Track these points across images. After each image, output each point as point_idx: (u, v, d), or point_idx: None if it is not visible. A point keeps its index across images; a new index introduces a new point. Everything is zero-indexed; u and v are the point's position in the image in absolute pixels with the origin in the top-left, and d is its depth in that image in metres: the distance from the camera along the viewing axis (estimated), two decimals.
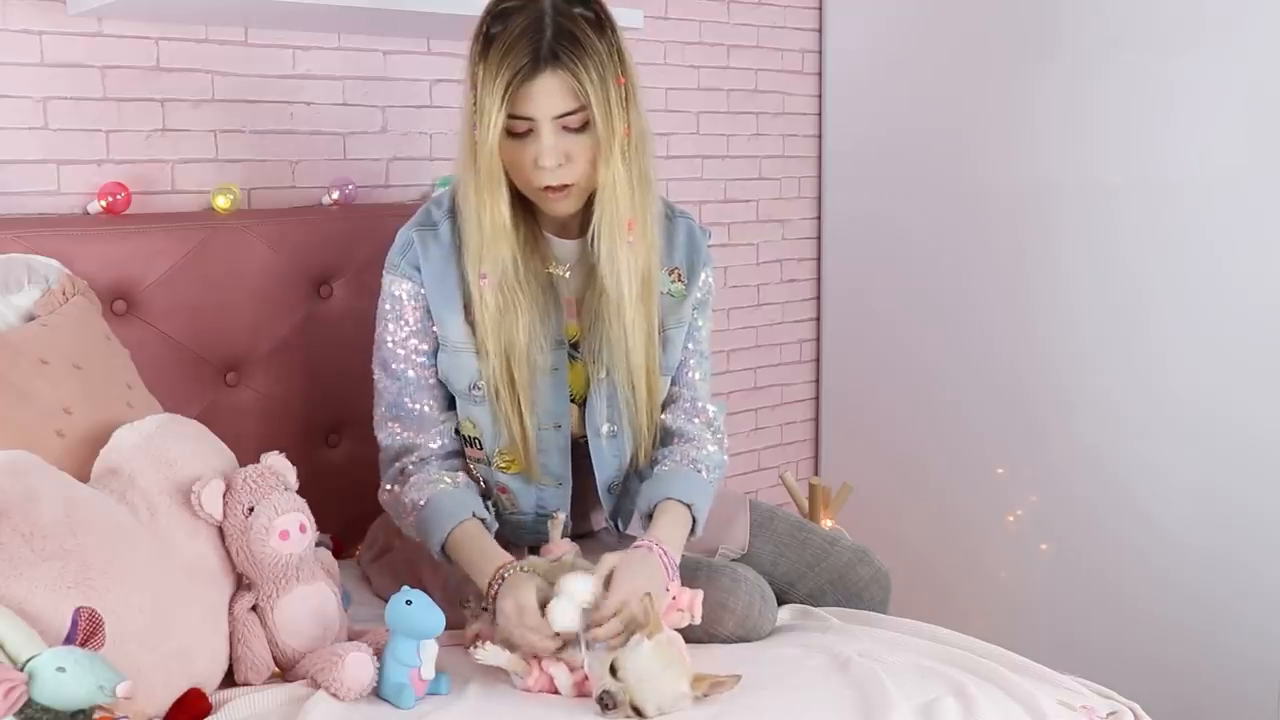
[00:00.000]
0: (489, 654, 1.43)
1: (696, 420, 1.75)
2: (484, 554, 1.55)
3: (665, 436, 1.74)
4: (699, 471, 1.68)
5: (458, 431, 1.72)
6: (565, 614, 1.42)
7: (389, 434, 1.70)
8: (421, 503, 1.61)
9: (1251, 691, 2.28)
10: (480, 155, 1.56)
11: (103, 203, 1.86)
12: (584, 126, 1.55)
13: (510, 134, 1.55)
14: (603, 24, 1.56)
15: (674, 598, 1.52)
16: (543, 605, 1.44)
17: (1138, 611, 2.42)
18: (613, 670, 1.36)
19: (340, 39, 2.13)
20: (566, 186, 1.58)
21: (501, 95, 1.52)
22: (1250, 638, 2.28)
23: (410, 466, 1.67)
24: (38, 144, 1.85)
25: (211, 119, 2.00)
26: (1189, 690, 2.33)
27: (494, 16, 1.56)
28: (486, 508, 1.64)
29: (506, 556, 1.54)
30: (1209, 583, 2.33)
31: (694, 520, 1.63)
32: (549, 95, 1.52)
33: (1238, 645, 2.29)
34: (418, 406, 1.69)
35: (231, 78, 2.01)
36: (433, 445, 1.68)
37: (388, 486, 1.69)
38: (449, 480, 1.64)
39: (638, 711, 1.35)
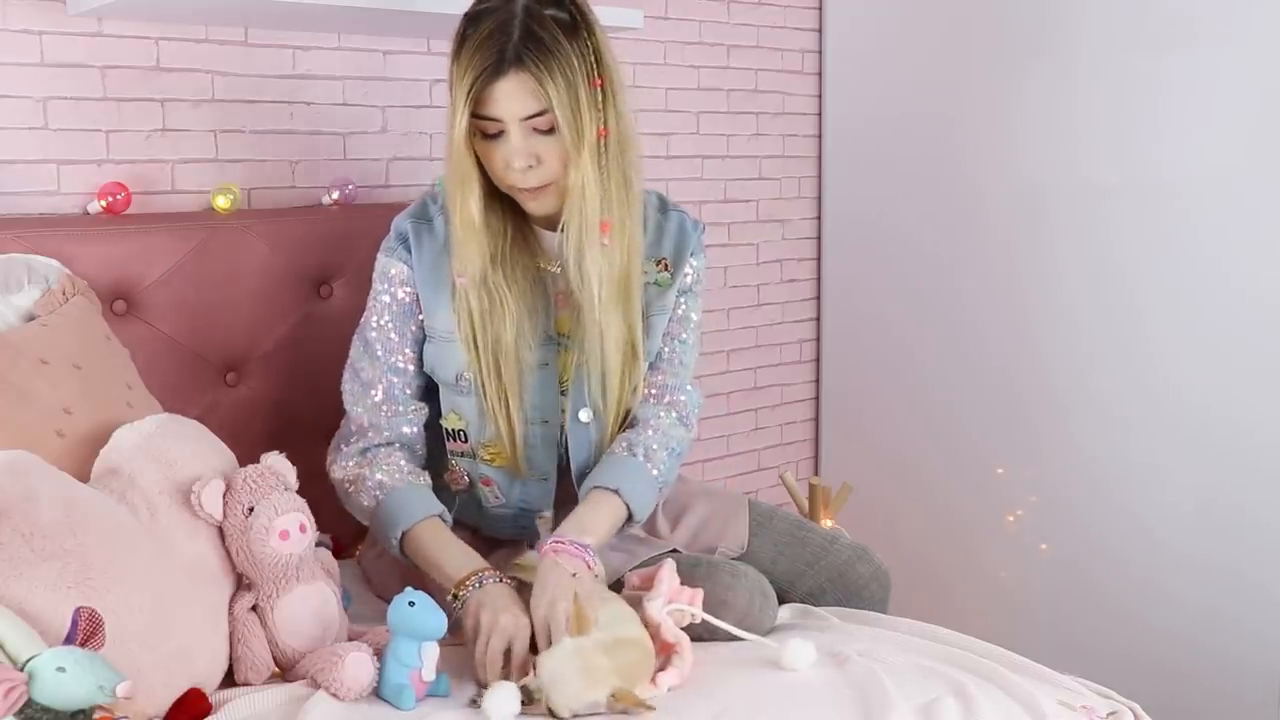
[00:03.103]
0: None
1: (663, 404, 1.75)
2: (459, 553, 1.57)
3: (630, 423, 1.75)
4: (634, 455, 1.68)
5: (427, 427, 1.73)
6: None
7: (355, 408, 1.70)
8: (389, 488, 1.63)
9: (1251, 690, 2.28)
10: (452, 154, 1.58)
11: (103, 203, 1.86)
12: (553, 129, 1.56)
13: (484, 135, 1.57)
14: (577, 26, 1.56)
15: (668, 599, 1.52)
16: None
17: (1138, 611, 2.42)
18: (534, 668, 1.38)
19: (340, 39, 2.13)
20: (543, 186, 1.60)
21: (465, 95, 1.54)
22: (1250, 637, 2.28)
23: (372, 449, 1.68)
24: (38, 144, 1.85)
25: (211, 119, 2.00)
26: (1189, 690, 2.33)
27: (469, 18, 1.58)
28: (450, 510, 1.67)
29: (484, 563, 1.56)
30: (1209, 582, 2.33)
31: (626, 503, 1.64)
32: (512, 97, 1.54)
33: (1238, 644, 2.29)
34: (390, 390, 1.70)
35: (231, 78, 2.01)
36: (405, 430, 1.70)
37: (344, 464, 1.69)
38: (414, 475, 1.66)
39: (553, 715, 1.35)
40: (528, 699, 1.36)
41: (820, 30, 2.85)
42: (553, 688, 1.35)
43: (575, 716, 1.35)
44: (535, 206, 1.63)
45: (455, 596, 1.52)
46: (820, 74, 2.86)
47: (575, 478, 1.74)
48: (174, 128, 1.97)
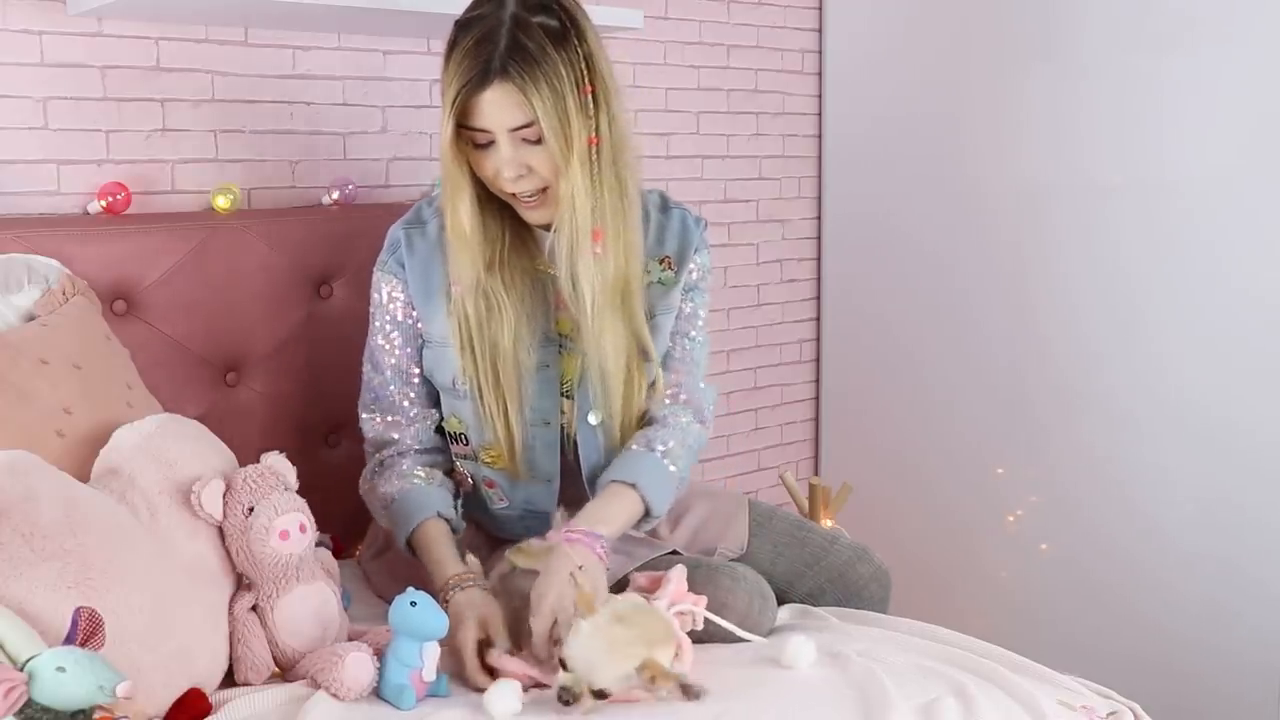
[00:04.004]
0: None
1: (678, 403, 1.75)
2: (438, 561, 1.59)
3: (644, 422, 1.75)
4: (653, 451, 1.68)
5: (440, 430, 1.75)
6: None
7: (370, 424, 1.75)
8: (394, 497, 1.66)
9: (1252, 691, 2.28)
10: (441, 162, 1.59)
11: (103, 203, 1.86)
12: (543, 139, 1.55)
13: (474, 145, 1.57)
14: (566, 33, 1.55)
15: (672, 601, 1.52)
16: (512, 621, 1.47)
17: (1138, 611, 2.42)
18: (564, 664, 1.35)
19: (340, 39, 2.13)
20: (538, 194, 1.60)
21: (451, 104, 1.54)
22: (1250, 637, 2.28)
23: (388, 460, 1.71)
24: (38, 144, 1.85)
25: (211, 119, 2.00)
26: (1189, 690, 2.33)
27: (459, 25, 1.57)
28: (456, 507, 1.68)
29: (458, 568, 1.57)
30: (1209, 582, 2.33)
31: (644, 497, 1.63)
32: (497, 108, 1.53)
33: (1238, 645, 2.29)
34: (399, 401, 1.72)
35: (231, 78, 2.02)
36: (409, 441, 1.72)
37: (367, 478, 1.74)
38: (422, 476, 1.68)
39: (600, 695, 1.33)
40: (570, 698, 1.33)
41: (820, 30, 2.85)
42: (591, 672, 1.33)
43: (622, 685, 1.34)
44: (534, 216, 1.63)
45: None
46: (820, 74, 2.86)
47: (587, 480, 1.74)
48: (174, 128, 1.97)
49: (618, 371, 1.67)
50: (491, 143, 1.56)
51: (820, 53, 2.85)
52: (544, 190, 1.60)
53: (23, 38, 1.83)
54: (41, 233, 1.75)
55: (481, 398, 1.66)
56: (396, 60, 2.20)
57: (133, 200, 1.88)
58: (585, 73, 1.55)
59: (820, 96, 2.87)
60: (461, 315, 1.64)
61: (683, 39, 2.61)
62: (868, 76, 2.79)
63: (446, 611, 1.48)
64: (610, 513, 1.61)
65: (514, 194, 1.60)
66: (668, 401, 1.75)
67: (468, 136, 1.57)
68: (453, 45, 1.56)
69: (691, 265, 1.77)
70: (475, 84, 1.52)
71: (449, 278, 1.66)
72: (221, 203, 1.95)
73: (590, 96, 1.56)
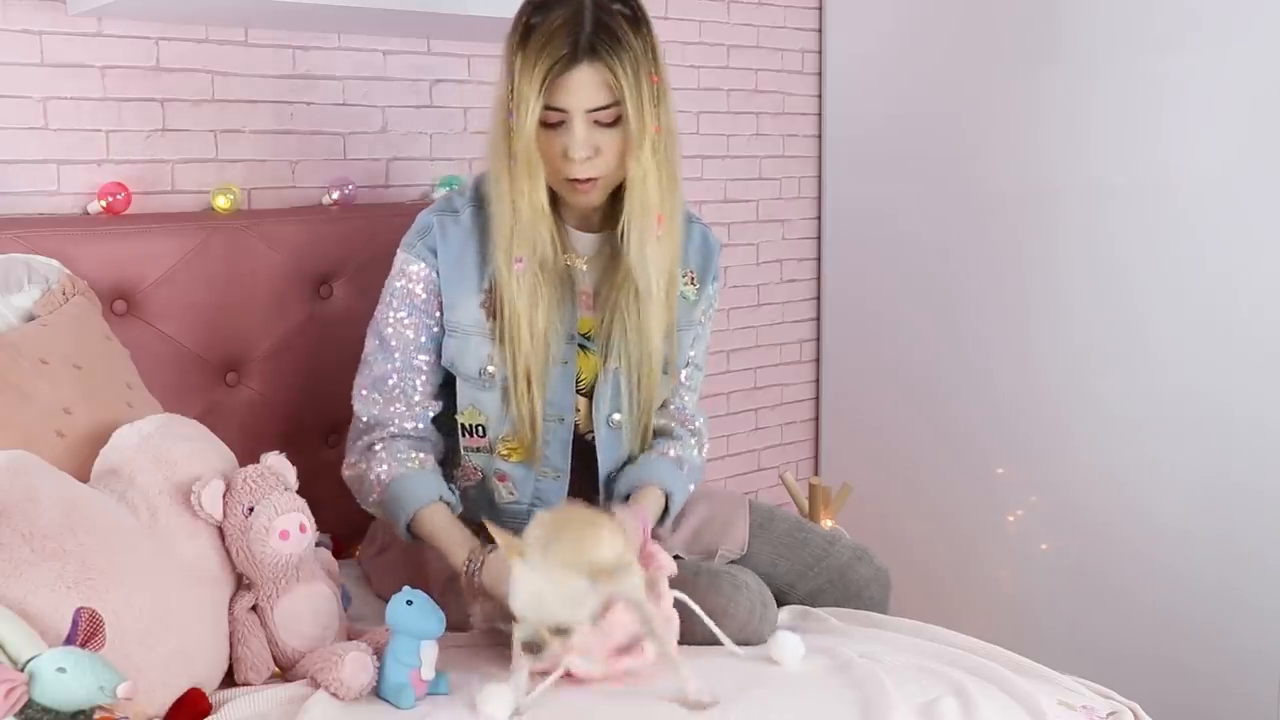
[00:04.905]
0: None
1: (684, 426, 1.82)
2: (453, 540, 1.60)
3: (653, 435, 1.79)
4: (680, 468, 1.75)
5: (434, 422, 1.74)
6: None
7: (367, 403, 1.72)
8: (388, 480, 1.65)
9: (1251, 692, 2.28)
10: (517, 142, 1.58)
11: (103, 203, 1.87)
12: (615, 122, 1.57)
13: (543, 124, 1.57)
14: (639, 21, 1.58)
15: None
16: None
17: (1138, 612, 2.42)
18: (514, 620, 1.30)
19: (340, 39, 2.13)
20: (593, 179, 1.60)
21: (540, 84, 1.54)
22: (1250, 638, 2.28)
23: (378, 444, 1.69)
24: (38, 144, 1.85)
25: (211, 119, 2.00)
26: (1189, 690, 2.33)
27: (535, 8, 1.59)
28: (451, 490, 1.68)
29: (475, 541, 1.60)
30: (1209, 583, 2.33)
31: (666, 511, 1.72)
32: (584, 88, 1.55)
33: (1237, 645, 2.29)
34: (404, 386, 1.71)
35: (231, 78, 2.02)
36: (407, 426, 1.70)
37: (353, 461, 1.72)
38: (416, 461, 1.68)
39: (562, 631, 1.29)
40: (534, 648, 1.29)
41: (820, 30, 2.85)
42: (541, 611, 1.28)
43: (578, 619, 1.30)
44: (584, 199, 1.63)
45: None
46: (820, 74, 2.86)
47: (603, 479, 1.76)
48: (174, 128, 1.97)
49: (657, 366, 1.70)
50: (561, 123, 1.57)
51: (820, 53, 2.86)
52: (598, 178, 1.61)
53: (23, 38, 1.83)
54: (41, 233, 1.75)
55: (514, 377, 1.66)
56: (396, 60, 2.20)
57: (133, 200, 1.89)
58: (653, 62, 1.59)
59: (820, 96, 2.87)
60: (510, 293, 1.63)
61: (683, 39, 2.61)
62: (868, 76, 2.79)
63: (482, 584, 1.51)
64: (654, 517, 1.69)
65: (573, 179, 1.60)
66: (675, 423, 1.80)
67: (540, 117, 1.57)
68: (528, 28, 1.57)
69: (710, 290, 1.81)
70: (565, 63, 1.53)
71: (488, 264, 1.66)
72: (221, 203, 1.95)
73: (656, 86, 1.59)
